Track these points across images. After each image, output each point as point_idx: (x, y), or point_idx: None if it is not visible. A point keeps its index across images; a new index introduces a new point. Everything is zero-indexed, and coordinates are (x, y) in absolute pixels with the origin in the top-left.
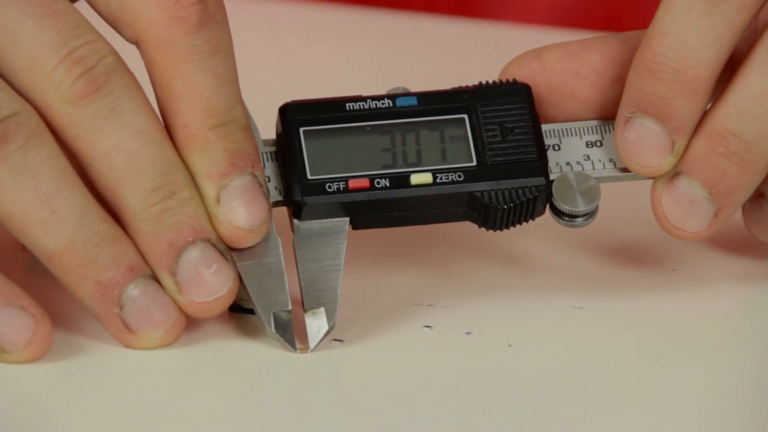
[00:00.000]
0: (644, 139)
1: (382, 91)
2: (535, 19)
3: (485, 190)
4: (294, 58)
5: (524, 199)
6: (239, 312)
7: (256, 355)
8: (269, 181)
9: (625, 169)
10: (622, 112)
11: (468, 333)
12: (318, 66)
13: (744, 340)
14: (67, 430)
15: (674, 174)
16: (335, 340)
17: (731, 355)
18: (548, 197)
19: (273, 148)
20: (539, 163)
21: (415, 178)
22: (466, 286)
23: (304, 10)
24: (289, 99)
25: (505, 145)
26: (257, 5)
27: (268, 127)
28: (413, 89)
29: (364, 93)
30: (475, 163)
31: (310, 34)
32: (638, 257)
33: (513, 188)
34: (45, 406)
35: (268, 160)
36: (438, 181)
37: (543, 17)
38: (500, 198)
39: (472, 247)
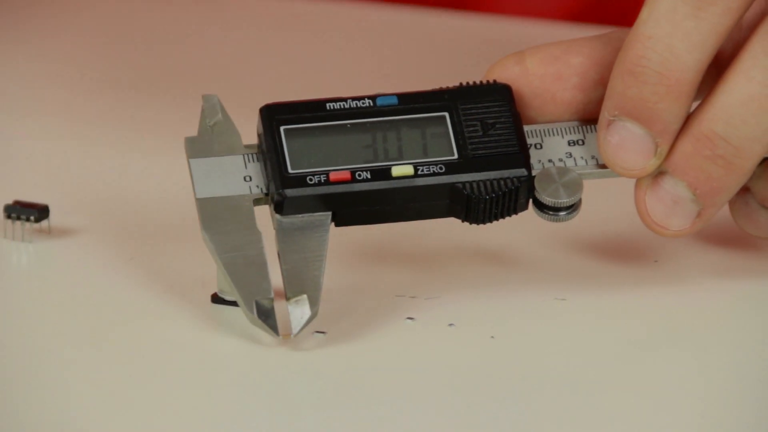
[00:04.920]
0: (627, 143)
1: (381, 86)
2: (541, 13)
3: (467, 182)
4: (289, 56)
5: (506, 190)
6: (221, 304)
7: (238, 349)
8: (250, 180)
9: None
10: (605, 115)
11: (450, 325)
12: (316, 64)
13: (725, 331)
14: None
15: (659, 173)
16: (317, 332)
17: (713, 345)
18: (530, 190)
19: (255, 150)
20: (520, 155)
21: (397, 170)
22: (448, 278)
23: (304, 6)
24: (279, 99)
25: (487, 139)
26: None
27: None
28: (413, 85)
29: (362, 87)
30: (456, 156)
31: (312, 31)
32: (620, 250)
33: (495, 179)
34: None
35: (250, 161)
36: (419, 173)
37: (548, 12)
38: (482, 189)
39: (454, 240)
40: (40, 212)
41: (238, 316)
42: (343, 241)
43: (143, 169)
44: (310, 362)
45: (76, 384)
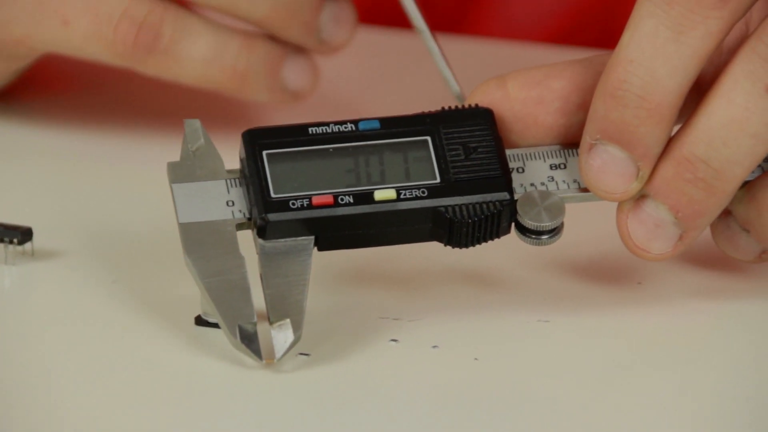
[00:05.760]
0: (609, 166)
1: (366, 108)
2: (523, 36)
3: (449, 205)
4: None
5: (488, 213)
6: (204, 326)
7: (222, 371)
8: (233, 204)
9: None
10: (587, 139)
11: (434, 347)
12: None
13: (709, 351)
14: None
15: (641, 196)
16: (301, 354)
17: (696, 366)
18: (513, 214)
19: (237, 175)
20: (503, 179)
21: (379, 194)
22: (432, 300)
23: None
24: (261, 123)
25: (469, 163)
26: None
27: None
28: (396, 108)
29: (347, 109)
30: (438, 180)
31: None
32: (603, 271)
33: (477, 203)
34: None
35: (232, 186)
36: (402, 197)
37: (531, 34)
38: (464, 213)
39: (438, 262)
40: (24, 235)
41: (222, 338)
42: (327, 263)
43: (126, 192)
44: (293, 384)
45: (60, 406)
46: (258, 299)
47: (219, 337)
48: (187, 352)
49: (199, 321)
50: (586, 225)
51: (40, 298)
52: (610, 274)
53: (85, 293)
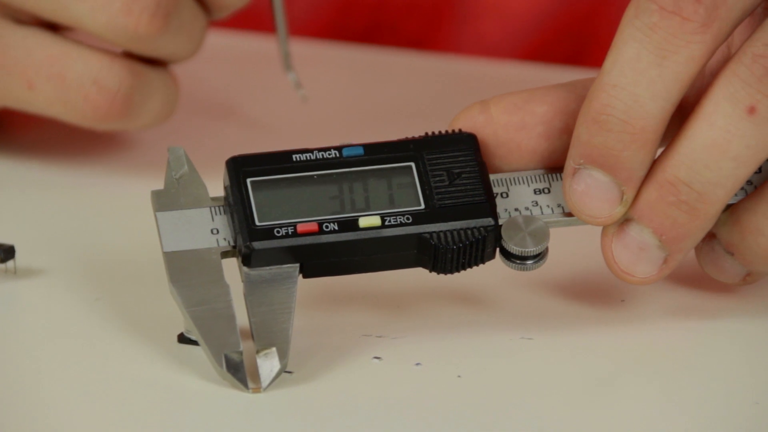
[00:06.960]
0: (593, 191)
1: (343, 127)
2: (498, 53)
3: (434, 232)
4: (255, 106)
5: (473, 239)
6: (187, 343)
7: (205, 388)
8: (217, 232)
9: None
10: (570, 164)
11: (417, 364)
12: (279, 102)
13: (691, 369)
14: None
15: (625, 220)
16: (285, 371)
17: (679, 383)
18: (497, 239)
19: (222, 202)
20: (487, 205)
21: (364, 222)
22: (415, 318)
23: (260, 43)
24: (245, 150)
25: (453, 189)
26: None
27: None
28: (375, 124)
29: (325, 128)
30: (423, 206)
31: (268, 68)
32: (587, 289)
33: (461, 229)
34: None
35: (216, 214)
36: (387, 223)
37: (505, 51)
38: (449, 239)
39: (421, 280)
40: (6, 252)
41: (204, 355)
42: (311, 282)
43: (109, 210)
44: (277, 402)
45: (42, 423)
46: (243, 323)
47: (202, 354)
48: (170, 369)
49: (182, 338)
50: (570, 243)
51: (23, 316)
52: (594, 292)
53: (67, 311)
